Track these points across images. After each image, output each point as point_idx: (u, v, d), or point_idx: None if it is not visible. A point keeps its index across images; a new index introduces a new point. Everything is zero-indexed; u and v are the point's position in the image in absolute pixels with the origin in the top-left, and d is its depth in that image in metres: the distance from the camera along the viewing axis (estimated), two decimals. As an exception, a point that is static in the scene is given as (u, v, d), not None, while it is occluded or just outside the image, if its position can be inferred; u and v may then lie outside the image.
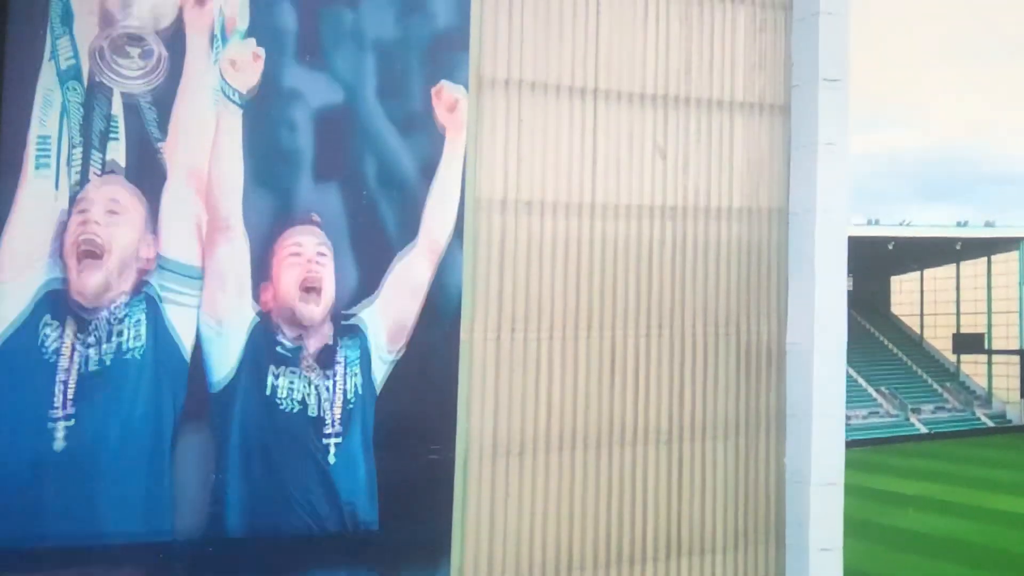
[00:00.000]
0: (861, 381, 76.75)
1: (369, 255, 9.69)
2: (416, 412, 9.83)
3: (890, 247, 78.55)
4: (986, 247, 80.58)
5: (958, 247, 79.08)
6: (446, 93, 10.06)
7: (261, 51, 9.32)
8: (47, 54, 8.60)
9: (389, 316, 9.74)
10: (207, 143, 9.08)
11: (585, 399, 10.75)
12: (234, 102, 9.20)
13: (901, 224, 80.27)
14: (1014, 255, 79.56)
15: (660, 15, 11.32)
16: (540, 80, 10.65)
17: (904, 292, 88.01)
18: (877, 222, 79.17)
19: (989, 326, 79.90)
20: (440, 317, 9.98)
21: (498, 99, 10.43)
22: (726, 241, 11.47)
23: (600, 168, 10.91)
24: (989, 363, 79.53)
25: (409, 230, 9.88)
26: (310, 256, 9.43)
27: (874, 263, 79.97)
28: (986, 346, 79.26)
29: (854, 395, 73.57)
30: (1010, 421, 75.33)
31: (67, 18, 8.66)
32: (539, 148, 10.62)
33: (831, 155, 11.54)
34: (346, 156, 9.62)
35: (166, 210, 8.93)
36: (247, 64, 9.25)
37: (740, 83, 11.67)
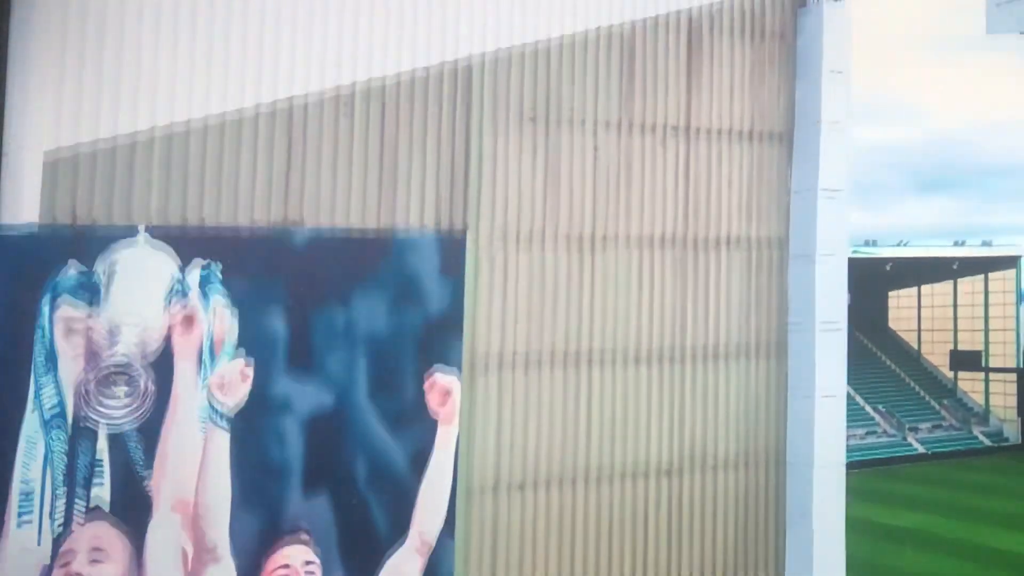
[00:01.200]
0: (859, 400, 76.62)
1: (359, 560, 9.57)
2: None
3: (888, 268, 78.57)
4: (983, 266, 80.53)
5: (955, 267, 79.06)
6: (439, 382, 9.91)
7: (250, 367, 9.16)
8: (30, 403, 8.42)
9: (379, 622, 9.61)
10: (194, 469, 8.93)
11: (578, 672, 10.65)
12: (221, 424, 9.04)
13: (899, 244, 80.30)
14: (1011, 273, 79.48)
15: (655, 267, 11.18)
16: (533, 352, 10.51)
17: (902, 307, 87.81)
18: (875, 243, 79.19)
19: (986, 343, 79.80)
20: (431, 612, 9.85)
21: (491, 380, 10.29)
22: (723, 493, 11.36)
23: (595, 434, 10.78)
24: (986, 380, 79.47)
25: (399, 527, 9.74)
26: (297, 571, 9.29)
27: (871, 280, 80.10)
28: (983, 364, 79.20)
29: (852, 414, 73.37)
30: (1007, 439, 75.33)
31: (51, 361, 8.49)
32: (532, 424, 10.49)
33: (828, 404, 11.41)
34: (336, 461, 9.49)
35: (151, 545, 8.80)
36: (235, 383, 9.09)
37: (735, 327, 11.53)
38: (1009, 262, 79.85)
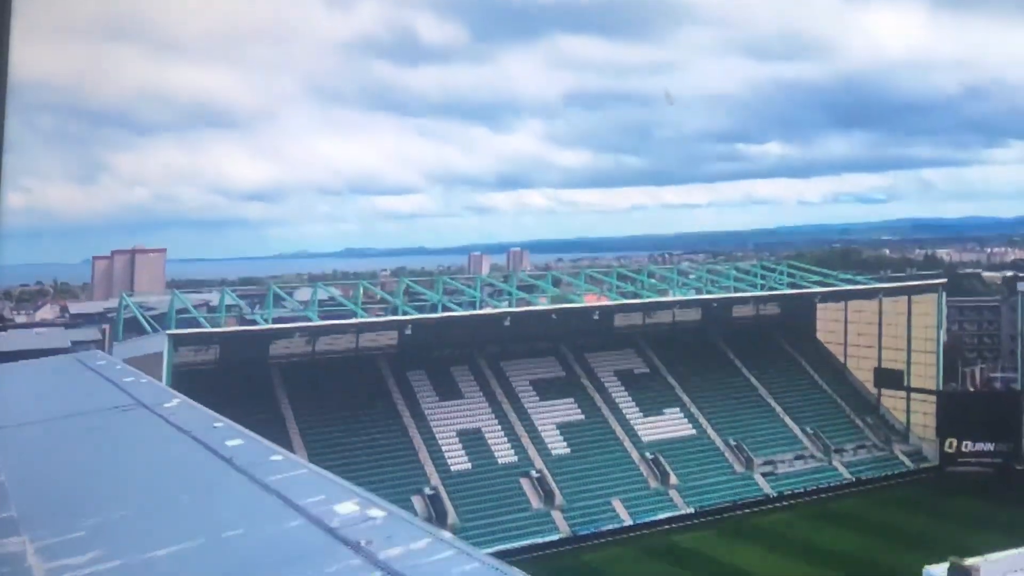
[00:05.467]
0: (788, 421, 79.78)
1: None
2: None
3: (816, 300, 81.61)
4: (907, 289, 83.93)
5: (880, 296, 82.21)
6: None
7: None
8: None
9: None
10: None
11: None
12: None
13: (826, 278, 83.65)
14: (932, 296, 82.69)
15: None
16: None
17: (829, 320, 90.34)
18: (802, 285, 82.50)
19: (909, 363, 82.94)
20: None
21: None
22: None
23: None
24: (908, 399, 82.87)
25: None
26: None
27: (801, 299, 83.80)
28: (905, 383, 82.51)
29: (781, 437, 76.69)
30: (926, 458, 78.82)
31: None
32: None
33: None
34: None
35: None
36: None
37: None
38: (932, 288, 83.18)
